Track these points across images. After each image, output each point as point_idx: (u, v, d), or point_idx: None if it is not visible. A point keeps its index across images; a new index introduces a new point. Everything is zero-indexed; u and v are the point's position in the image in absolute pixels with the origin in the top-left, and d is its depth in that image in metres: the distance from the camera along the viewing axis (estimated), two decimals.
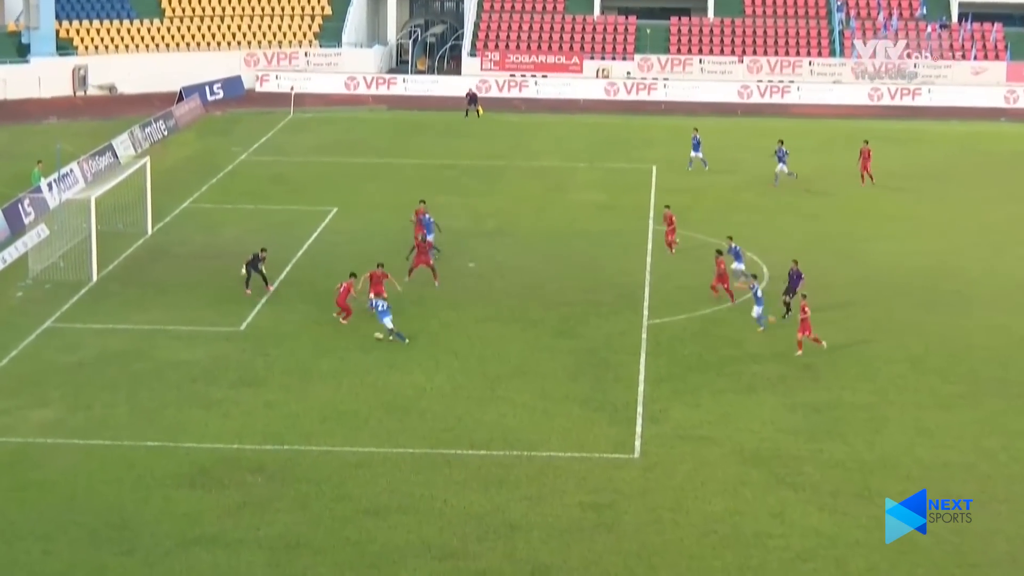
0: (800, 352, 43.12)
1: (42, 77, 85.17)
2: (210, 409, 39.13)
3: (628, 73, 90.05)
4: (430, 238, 51.32)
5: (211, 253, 53.76)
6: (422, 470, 35.37)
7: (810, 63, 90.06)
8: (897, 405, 39.86)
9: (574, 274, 51.27)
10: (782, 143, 65.47)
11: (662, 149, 72.38)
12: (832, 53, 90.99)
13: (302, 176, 67.14)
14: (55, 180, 59.51)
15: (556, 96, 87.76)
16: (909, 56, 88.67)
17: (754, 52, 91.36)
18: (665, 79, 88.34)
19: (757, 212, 60.91)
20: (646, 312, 47.00)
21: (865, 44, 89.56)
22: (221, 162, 69.55)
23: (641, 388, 40.91)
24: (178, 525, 32.39)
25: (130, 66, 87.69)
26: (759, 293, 45.62)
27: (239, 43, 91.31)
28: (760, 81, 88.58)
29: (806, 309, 43.35)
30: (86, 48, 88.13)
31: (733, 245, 50.09)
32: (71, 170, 62.40)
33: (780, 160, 64.91)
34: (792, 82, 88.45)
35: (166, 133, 75.84)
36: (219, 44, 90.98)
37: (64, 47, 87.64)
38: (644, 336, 44.99)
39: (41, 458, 36.03)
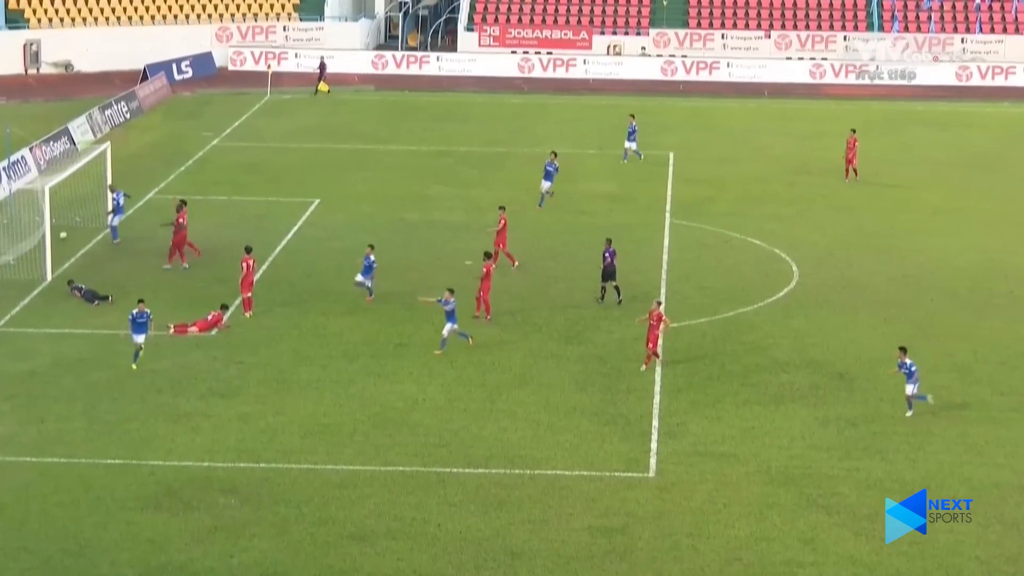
0: (645, 367, 42.83)
1: None
2: (177, 423, 39.13)
3: (643, 49, 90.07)
4: (115, 220, 54.37)
5: None
6: (414, 490, 35.38)
7: (845, 38, 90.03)
8: (942, 419, 39.85)
9: (583, 273, 51.22)
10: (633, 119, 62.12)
11: (680, 134, 72.40)
12: (869, 27, 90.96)
13: (280, 164, 67.14)
14: (4, 168, 59.53)
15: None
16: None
17: (782, 26, 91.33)
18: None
19: (786, 204, 60.94)
20: None
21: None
22: (190, 148, 69.56)
23: (656, 400, 40.93)
24: (141, 552, 32.38)
25: (88, 41, 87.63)
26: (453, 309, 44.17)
27: (210, 16, 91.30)
28: (791, 58, 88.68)
29: (663, 318, 42.82)
30: (39, 21, 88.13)
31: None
32: (22, 157, 62.43)
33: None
34: (825, 59, 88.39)
35: (128, 116, 75.88)
36: (187, 17, 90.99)
37: (14, 19, 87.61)
38: (660, 342, 44.97)
39: None
